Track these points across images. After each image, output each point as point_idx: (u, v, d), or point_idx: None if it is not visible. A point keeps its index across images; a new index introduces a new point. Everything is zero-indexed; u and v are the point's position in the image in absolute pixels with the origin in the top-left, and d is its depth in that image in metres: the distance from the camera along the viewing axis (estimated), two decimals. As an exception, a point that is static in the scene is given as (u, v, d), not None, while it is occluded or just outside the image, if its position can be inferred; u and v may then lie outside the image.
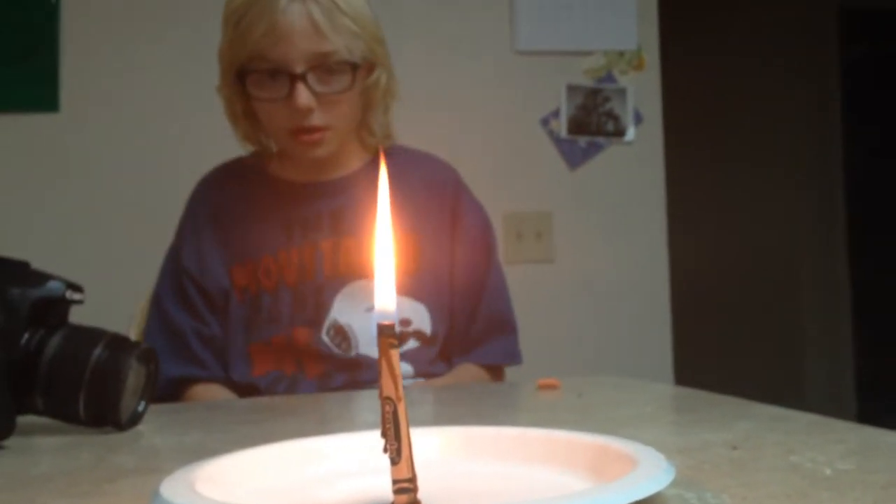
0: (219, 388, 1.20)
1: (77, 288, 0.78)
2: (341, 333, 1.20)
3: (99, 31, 1.97)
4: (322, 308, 1.20)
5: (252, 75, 1.17)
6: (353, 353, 1.19)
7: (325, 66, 1.15)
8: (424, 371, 1.22)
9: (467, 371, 1.26)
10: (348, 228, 1.22)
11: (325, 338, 1.19)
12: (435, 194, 1.29)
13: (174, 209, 1.30)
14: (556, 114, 2.13)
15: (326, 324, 1.20)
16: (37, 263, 0.77)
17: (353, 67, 1.17)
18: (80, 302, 0.78)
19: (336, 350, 1.19)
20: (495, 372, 1.30)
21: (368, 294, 1.23)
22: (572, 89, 2.14)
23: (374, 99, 1.25)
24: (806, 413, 0.71)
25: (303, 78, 1.14)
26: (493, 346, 1.28)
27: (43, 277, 0.76)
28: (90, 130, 1.96)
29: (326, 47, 1.14)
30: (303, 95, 1.14)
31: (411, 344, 1.22)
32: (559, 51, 2.14)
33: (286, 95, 1.15)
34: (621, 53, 2.17)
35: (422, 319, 1.23)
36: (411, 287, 1.23)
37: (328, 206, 1.25)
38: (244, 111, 1.24)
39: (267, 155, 1.28)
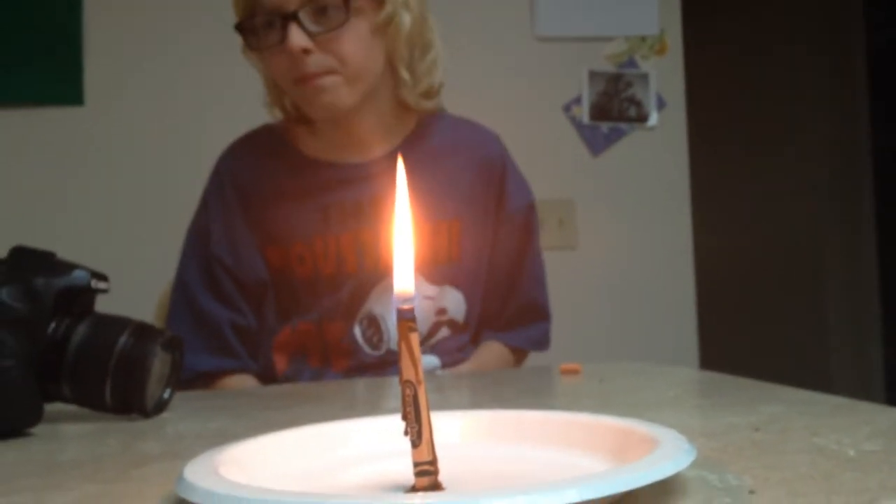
0: (249, 379, 1.18)
1: (102, 277, 0.78)
2: (374, 325, 1.16)
3: (122, 25, 1.99)
4: (358, 300, 1.16)
5: (247, 26, 1.11)
6: (383, 350, 1.15)
7: (318, 3, 1.07)
8: (453, 360, 1.20)
9: (490, 351, 1.24)
10: (390, 216, 1.17)
11: (356, 330, 1.16)
12: (482, 174, 1.23)
13: (197, 199, 1.30)
14: (577, 100, 2.12)
15: (360, 315, 1.16)
16: (62, 253, 0.78)
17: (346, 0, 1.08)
18: (105, 291, 0.79)
19: (366, 347, 1.15)
20: (519, 354, 1.28)
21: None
22: (594, 75, 2.13)
23: (397, 44, 1.14)
24: (833, 396, 0.70)
25: (294, 17, 1.07)
26: (522, 331, 1.26)
27: (68, 267, 0.77)
28: (114, 123, 1.97)
29: None
30: (295, 36, 1.06)
31: (443, 333, 1.20)
32: (580, 37, 2.13)
33: (281, 41, 1.08)
34: (643, 38, 2.15)
35: (457, 307, 1.20)
36: (452, 275, 1.19)
37: (368, 190, 1.17)
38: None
39: (293, 124, 1.21)
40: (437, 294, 1.19)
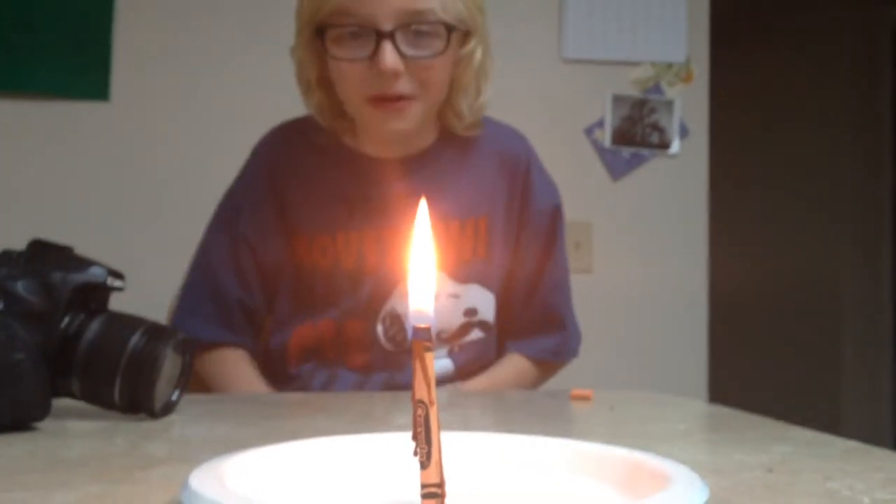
0: (244, 355, 1.17)
1: (118, 275, 0.79)
2: (397, 323, 1.13)
3: (152, 21, 2.00)
4: (380, 299, 1.14)
5: (332, 31, 1.06)
6: (406, 346, 1.12)
7: (416, 25, 1.04)
8: (474, 366, 1.18)
9: (511, 364, 1.20)
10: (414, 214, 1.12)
11: (378, 328, 1.14)
12: (507, 170, 1.21)
13: (219, 200, 1.29)
14: (600, 123, 2.12)
15: (382, 313, 1.14)
16: (80, 248, 0.78)
17: (449, 30, 1.06)
18: (120, 289, 0.79)
19: (387, 345, 1.14)
20: (545, 367, 1.24)
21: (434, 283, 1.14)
22: (618, 99, 2.13)
23: (467, 76, 1.13)
24: (844, 439, 0.69)
25: (391, 37, 1.03)
26: (541, 341, 1.22)
27: (85, 263, 0.77)
28: (139, 119, 1.98)
29: (420, 4, 1.04)
30: (389, 57, 1.03)
31: (475, 334, 1.17)
32: (606, 60, 2.12)
33: (370, 56, 1.04)
34: (669, 65, 2.15)
35: (487, 308, 1.18)
36: (480, 272, 1.17)
37: (395, 189, 1.14)
38: (318, 79, 1.14)
39: (330, 118, 1.18)
40: (464, 292, 1.17)
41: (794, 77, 3.75)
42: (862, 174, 3.66)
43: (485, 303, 1.18)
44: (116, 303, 0.80)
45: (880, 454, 0.64)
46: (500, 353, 1.24)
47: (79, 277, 0.75)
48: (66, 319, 0.75)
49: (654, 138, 2.13)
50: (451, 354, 1.18)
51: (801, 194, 3.75)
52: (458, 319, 1.16)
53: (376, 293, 1.14)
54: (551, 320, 1.24)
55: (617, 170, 2.13)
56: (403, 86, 1.06)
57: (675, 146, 2.14)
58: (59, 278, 0.75)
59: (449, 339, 1.17)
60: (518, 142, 1.26)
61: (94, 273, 0.76)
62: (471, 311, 1.17)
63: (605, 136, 2.12)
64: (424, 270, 0.43)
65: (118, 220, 1.95)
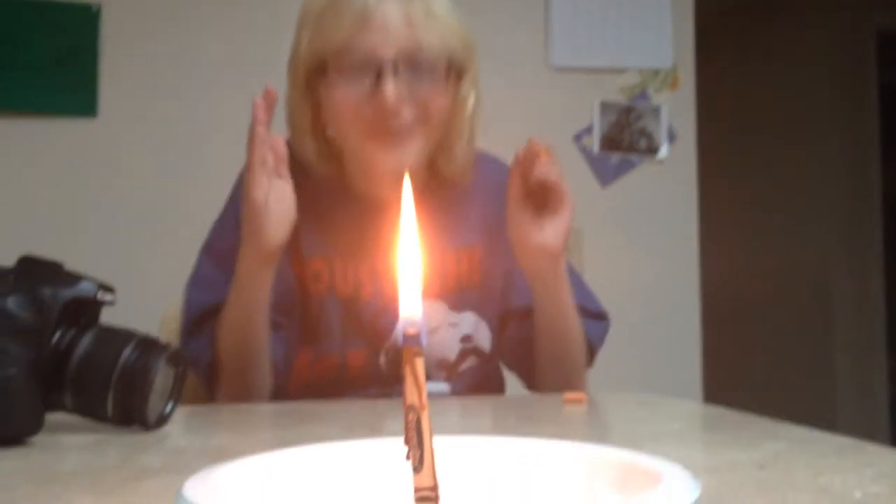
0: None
1: (109, 289, 0.79)
2: (400, 356, 1.10)
3: (137, 38, 2.00)
4: (383, 331, 1.13)
5: (334, 66, 1.05)
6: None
7: (417, 60, 1.06)
8: (475, 391, 1.17)
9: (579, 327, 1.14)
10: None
11: (381, 359, 1.13)
12: (491, 200, 1.19)
13: (207, 214, 1.30)
14: (589, 130, 2.13)
15: (386, 345, 1.14)
16: (70, 264, 0.78)
17: (449, 62, 1.08)
18: (111, 303, 0.79)
19: (389, 377, 1.13)
20: (589, 350, 1.20)
21: (437, 314, 1.12)
22: (606, 106, 2.14)
23: (461, 120, 1.14)
24: (837, 435, 0.70)
25: (392, 70, 1.04)
26: (588, 324, 1.18)
27: (75, 278, 0.77)
28: (125, 135, 1.98)
29: (420, 40, 1.05)
30: (391, 90, 1.03)
31: (470, 362, 1.17)
32: (594, 68, 2.14)
33: (370, 90, 1.05)
34: (656, 72, 2.16)
35: (483, 336, 1.18)
36: (474, 300, 1.17)
37: (388, 221, 1.13)
38: (312, 126, 1.12)
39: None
40: (461, 320, 1.17)
41: (779, 80, 3.77)
42: (850, 172, 3.69)
43: (479, 331, 1.18)
44: (107, 316, 0.80)
45: (872, 449, 0.64)
46: (501, 384, 1.24)
47: (69, 292, 0.75)
48: (58, 334, 0.75)
49: (642, 144, 2.15)
50: (459, 380, 1.17)
51: (790, 193, 3.77)
52: (457, 347, 1.17)
53: (377, 324, 1.13)
54: (588, 312, 1.21)
55: (606, 176, 2.14)
56: (405, 120, 1.06)
57: (663, 151, 2.15)
58: (49, 294, 0.74)
59: (448, 367, 1.17)
60: (504, 173, 1.21)
61: (85, 288, 0.76)
62: (467, 338, 1.17)
63: (594, 143, 2.13)
64: (412, 273, 0.43)
65: (107, 235, 1.95)
